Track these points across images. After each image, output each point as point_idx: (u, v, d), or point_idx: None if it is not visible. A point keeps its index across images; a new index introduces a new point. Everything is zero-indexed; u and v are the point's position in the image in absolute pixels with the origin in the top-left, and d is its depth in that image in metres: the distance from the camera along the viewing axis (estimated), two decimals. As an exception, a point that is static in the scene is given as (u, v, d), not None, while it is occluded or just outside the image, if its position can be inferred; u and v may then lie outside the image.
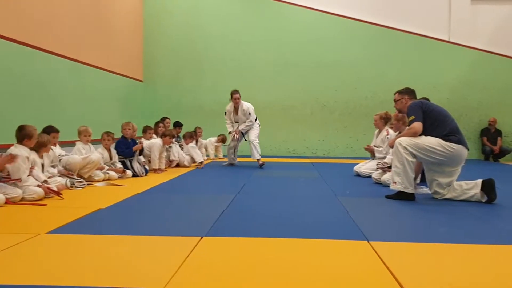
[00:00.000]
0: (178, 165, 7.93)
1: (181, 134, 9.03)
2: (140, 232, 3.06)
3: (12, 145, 4.51)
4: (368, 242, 2.81)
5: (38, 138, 4.78)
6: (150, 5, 11.43)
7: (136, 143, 6.75)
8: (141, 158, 6.83)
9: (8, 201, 4.05)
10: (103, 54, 8.85)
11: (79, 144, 5.96)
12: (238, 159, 8.48)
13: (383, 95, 10.49)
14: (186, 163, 8.04)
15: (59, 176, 5.15)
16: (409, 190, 4.44)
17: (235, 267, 2.33)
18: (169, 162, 7.85)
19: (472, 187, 4.44)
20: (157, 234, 2.99)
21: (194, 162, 8.24)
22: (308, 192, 5.24)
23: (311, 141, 11.36)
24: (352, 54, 11.23)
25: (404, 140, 4.42)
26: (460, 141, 4.39)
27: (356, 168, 6.90)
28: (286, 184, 5.92)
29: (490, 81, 10.97)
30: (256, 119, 8.13)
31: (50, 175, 4.97)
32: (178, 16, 11.45)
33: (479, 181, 4.42)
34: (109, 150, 6.37)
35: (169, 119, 8.83)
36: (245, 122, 8.04)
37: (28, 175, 4.40)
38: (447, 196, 4.55)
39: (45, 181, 4.56)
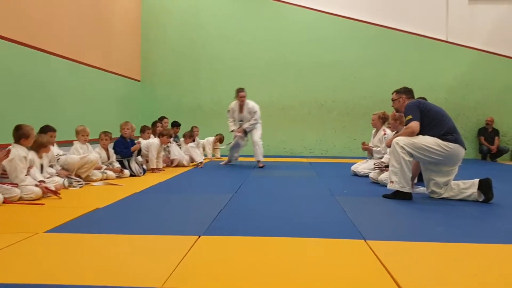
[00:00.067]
0: (177, 165, 7.94)
1: (179, 134, 9.04)
2: (138, 231, 3.07)
3: (11, 145, 4.50)
4: (365, 241, 2.82)
5: (38, 139, 4.79)
6: (148, 4, 11.43)
7: (135, 143, 6.76)
8: (139, 158, 6.83)
9: (6, 201, 4.06)
10: (102, 54, 8.85)
11: (77, 144, 5.95)
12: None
13: (381, 95, 10.48)
14: (184, 162, 8.05)
15: (57, 176, 5.15)
16: (406, 189, 4.45)
17: (233, 265, 2.34)
18: (170, 162, 7.86)
19: (469, 187, 4.45)
20: (155, 233, 2.99)
21: (192, 162, 8.24)
22: (306, 191, 5.24)
23: (309, 141, 11.37)
24: (351, 54, 11.24)
25: (401, 140, 4.43)
26: (457, 140, 4.40)
27: (353, 167, 6.91)
28: (283, 183, 5.92)
29: (488, 80, 11.00)
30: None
31: (49, 175, 4.97)
32: (176, 15, 11.45)
33: (476, 180, 4.43)
34: (107, 150, 6.37)
35: (167, 118, 8.83)
36: (249, 120, 7.96)
37: (26, 175, 4.40)
38: (444, 196, 4.57)
39: (42, 181, 4.56)
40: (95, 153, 5.98)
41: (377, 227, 3.42)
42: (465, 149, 4.51)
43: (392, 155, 4.49)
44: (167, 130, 7.72)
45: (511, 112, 11.01)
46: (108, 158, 6.36)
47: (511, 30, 10.97)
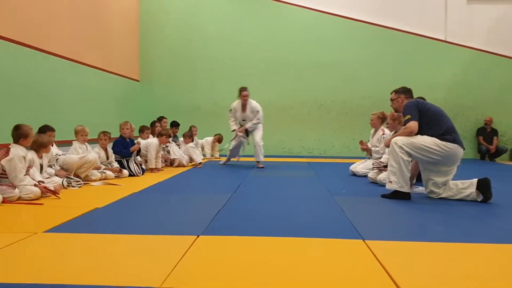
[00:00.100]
0: (177, 165, 7.94)
1: (178, 134, 9.04)
2: (136, 231, 3.07)
3: (9, 144, 4.50)
4: (364, 241, 2.82)
5: (39, 139, 4.78)
6: (146, 4, 11.42)
7: (134, 143, 6.76)
8: (138, 158, 6.83)
9: (5, 200, 4.06)
10: (101, 54, 8.84)
11: (76, 144, 5.95)
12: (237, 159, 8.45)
13: (380, 95, 10.48)
14: (184, 162, 8.05)
15: (55, 176, 5.15)
16: (405, 189, 4.45)
17: (232, 265, 2.34)
18: (170, 162, 7.86)
19: (468, 186, 4.46)
20: (154, 233, 3.00)
21: (191, 162, 8.25)
22: (304, 191, 5.25)
23: (308, 141, 11.38)
24: (350, 54, 11.24)
25: (400, 140, 4.44)
26: (455, 140, 4.41)
27: (352, 167, 6.92)
28: (282, 183, 5.93)
29: (487, 80, 11.01)
30: None
31: (48, 176, 4.97)
32: (174, 15, 11.44)
33: (475, 180, 4.43)
34: (105, 150, 6.37)
35: (166, 118, 8.82)
36: (252, 120, 7.92)
37: (25, 175, 4.40)
38: (442, 196, 4.57)
39: (41, 181, 4.55)
40: (94, 153, 5.98)
41: (375, 227, 3.42)
42: (464, 149, 4.51)
43: (391, 155, 4.50)
44: (166, 130, 7.71)
45: (510, 112, 11.03)
46: (107, 158, 6.36)
47: (509, 29, 10.99)
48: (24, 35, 6.12)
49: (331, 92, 11.28)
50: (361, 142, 6.72)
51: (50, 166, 5.24)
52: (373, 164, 6.11)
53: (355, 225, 3.28)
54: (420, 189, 4.95)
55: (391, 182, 4.50)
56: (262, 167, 7.79)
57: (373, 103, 10.67)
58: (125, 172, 6.36)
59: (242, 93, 7.80)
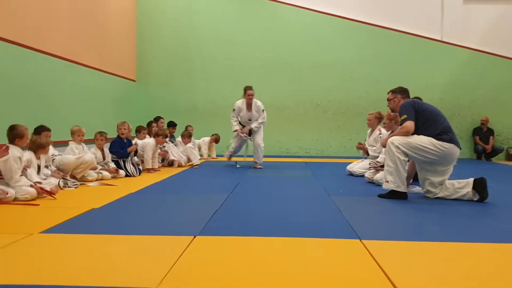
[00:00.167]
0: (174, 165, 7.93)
1: (175, 134, 9.02)
2: (133, 231, 3.07)
3: (5, 145, 4.48)
4: (361, 240, 2.83)
5: (37, 140, 4.76)
6: (143, 4, 11.39)
7: (132, 143, 6.75)
8: (135, 158, 6.82)
9: (1, 201, 4.04)
10: (98, 54, 8.83)
11: (72, 144, 5.93)
12: (236, 158, 8.43)
13: (377, 95, 10.51)
14: (182, 162, 8.04)
15: (51, 177, 5.13)
16: (402, 189, 4.46)
17: (228, 265, 2.34)
18: (168, 163, 7.85)
19: (464, 186, 4.47)
20: (150, 234, 2.99)
21: (189, 162, 8.23)
22: (301, 191, 5.25)
23: (305, 141, 11.38)
24: (346, 54, 11.26)
25: (396, 139, 4.44)
26: (452, 140, 4.42)
27: (349, 167, 6.93)
28: (279, 183, 5.93)
29: (483, 80, 11.05)
30: None
31: (44, 177, 4.95)
32: (171, 15, 11.42)
33: (471, 180, 4.45)
34: (102, 150, 6.35)
35: (163, 119, 8.82)
36: (257, 119, 7.82)
37: (21, 175, 4.38)
38: (439, 195, 4.58)
39: (38, 182, 4.54)
40: (90, 154, 5.96)
41: (372, 227, 3.43)
42: (460, 149, 4.52)
43: (387, 154, 4.50)
44: (163, 130, 7.70)
45: (506, 112, 11.07)
46: (104, 158, 6.34)
47: (505, 29, 11.03)
48: (21, 35, 6.10)
49: (327, 92, 11.29)
50: (358, 144, 6.77)
51: (46, 166, 5.22)
52: (370, 164, 6.12)
53: (352, 225, 3.28)
54: (416, 188, 4.96)
55: (387, 181, 4.51)
56: (260, 168, 7.78)
57: (370, 103, 10.69)
58: (122, 172, 6.34)
59: (247, 92, 7.66)
